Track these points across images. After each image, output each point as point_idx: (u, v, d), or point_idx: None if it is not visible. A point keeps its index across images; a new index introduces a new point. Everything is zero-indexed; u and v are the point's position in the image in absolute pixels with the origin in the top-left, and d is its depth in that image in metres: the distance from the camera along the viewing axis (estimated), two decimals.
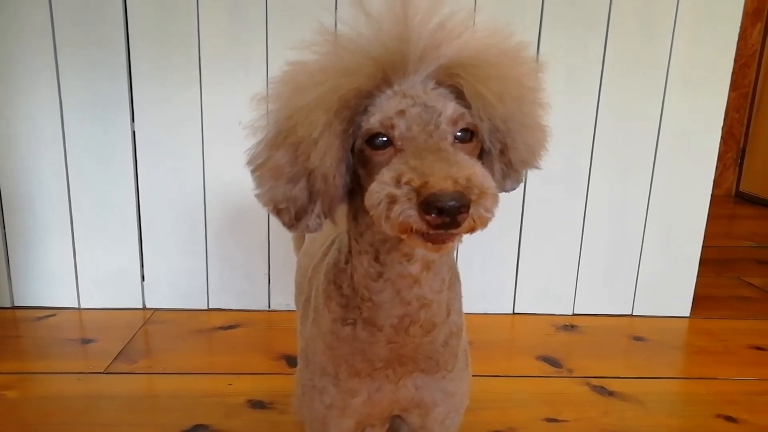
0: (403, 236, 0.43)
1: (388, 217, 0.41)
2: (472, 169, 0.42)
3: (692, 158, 1.38)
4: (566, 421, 1.02)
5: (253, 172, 0.50)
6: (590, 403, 1.08)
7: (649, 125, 1.36)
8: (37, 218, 1.37)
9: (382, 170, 0.43)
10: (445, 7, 0.46)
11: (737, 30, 1.32)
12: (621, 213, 1.41)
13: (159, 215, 1.38)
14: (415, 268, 0.52)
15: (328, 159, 0.45)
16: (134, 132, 1.34)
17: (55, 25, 1.27)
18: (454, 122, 0.46)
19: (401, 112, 0.45)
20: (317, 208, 0.48)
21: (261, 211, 1.43)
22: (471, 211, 0.40)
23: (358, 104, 0.46)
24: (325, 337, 0.58)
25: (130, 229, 1.39)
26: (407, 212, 0.40)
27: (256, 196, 0.50)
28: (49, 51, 1.28)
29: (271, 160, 0.48)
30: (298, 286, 0.75)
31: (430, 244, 0.42)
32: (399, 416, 0.64)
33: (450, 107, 0.45)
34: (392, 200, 0.41)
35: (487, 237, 1.41)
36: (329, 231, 0.68)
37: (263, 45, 1.29)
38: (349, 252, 0.55)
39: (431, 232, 0.41)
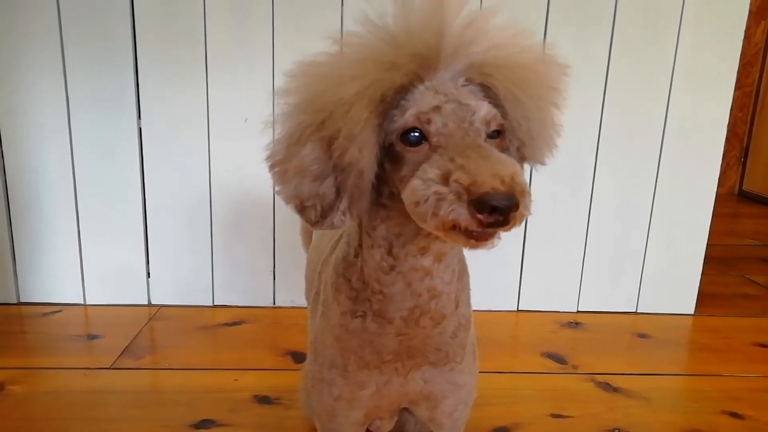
0: (442, 233, 0.43)
1: (435, 215, 0.42)
2: (514, 168, 0.42)
3: (697, 156, 1.38)
4: (571, 416, 1.02)
5: (272, 168, 0.49)
6: (595, 399, 1.08)
7: (654, 123, 1.36)
8: (43, 214, 1.38)
9: (422, 167, 0.44)
10: (471, 3, 0.46)
11: (743, 29, 1.32)
12: (626, 210, 1.41)
13: (165, 211, 1.39)
14: (427, 261, 0.52)
15: (366, 154, 0.45)
16: (140, 128, 1.34)
17: (62, 21, 1.27)
18: (487, 123, 0.46)
19: (437, 108, 0.45)
20: (343, 204, 0.47)
21: (266, 208, 1.45)
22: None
23: (393, 99, 0.46)
24: (335, 330, 0.58)
25: (135, 225, 1.39)
26: (458, 210, 0.40)
27: (278, 193, 0.49)
28: (56, 47, 1.28)
29: (297, 157, 0.46)
30: (309, 281, 0.76)
31: (473, 241, 0.43)
32: (407, 409, 0.64)
33: (483, 107, 0.46)
34: (440, 198, 0.41)
35: None
36: None
37: (269, 42, 1.29)
38: (360, 245, 0.55)
39: (480, 230, 0.41)
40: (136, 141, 1.34)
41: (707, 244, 1.43)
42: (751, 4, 1.33)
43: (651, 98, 1.35)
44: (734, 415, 1.03)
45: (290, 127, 0.47)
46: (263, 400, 1.04)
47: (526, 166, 0.56)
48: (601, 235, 1.42)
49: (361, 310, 0.56)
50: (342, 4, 1.26)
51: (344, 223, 0.48)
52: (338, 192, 0.47)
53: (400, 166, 0.46)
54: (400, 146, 0.46)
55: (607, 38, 1.31)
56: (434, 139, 0.45)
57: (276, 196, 0.50)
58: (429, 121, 0.45)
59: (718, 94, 1.35)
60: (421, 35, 0.45)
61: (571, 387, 1.12)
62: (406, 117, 0.45)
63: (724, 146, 1.39)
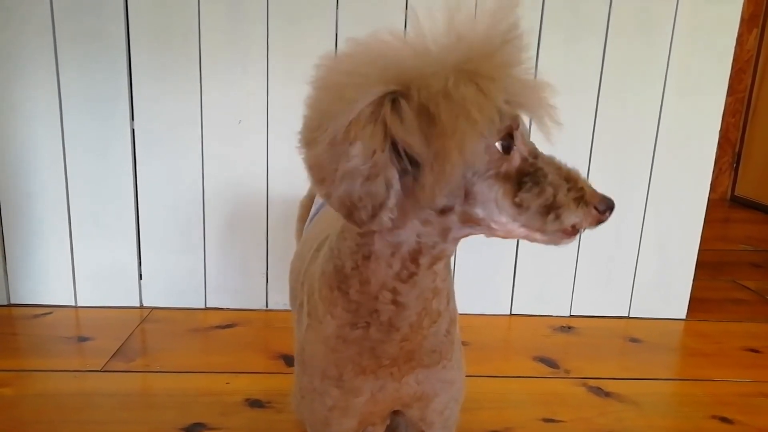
0: (557, 237, 0.48)
1: (558, 217, 0.47)
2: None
3: (689, 162, 1.39)
4: (563, 421, 1.02)
5: (311, 168, 0.46)
6: (586, 403, 1.08)
7: (647, 129, 1.37)
8: (35, 215, 1.37)
9: (536, 174, 0.48)
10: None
11: (735, 35, 1.32)
12: (618, 215, 1.40)
13: (157, 213, 1.38)
14: (440, 264, 0.53)
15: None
16: (133, 129, 1.33)
17: (55, 19, 1.27)
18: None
19: (518, 116, 0.48)
20: (391, 201, 0.45)
21: (260, 210, 1.45)
22: None
23: None
24: (329, 342, 0.57)
25: (127, 226, 1.39)
26: (589, 212, 0.47)
27: (325, 196, 0.47)
28: (49, 46, 1.28)
29: (345, 157, 0.44)
30: (292, 289, 0.75)
31: (567, 238, 0.48)
32: (397, 410, 0.64)
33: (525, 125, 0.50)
34: (577, 201, 0.47)
35: (484, 238, 1.41)
36: (318, 234, 0.68)
37: (264, 42, 1.29)
38: (365, 257, 0.52)
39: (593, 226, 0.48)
40: (129, 141, 1.34)
41: (699, 250, 1.44)
42: (743, 12, 1.34)
43: (644, 103, 1.36)
44: (724, 419, 1.04)
45: (333, 122, 0.44)
46: (255, 403, 1.04)
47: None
48: (593, 240, 1.43)
49: (364, 321, 0.54)
50: (337, 6, 1.27)
51: (390, 221, 0.46)
52: (387, 189, 0.45)
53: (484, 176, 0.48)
54: (496, 153, 0.47)
55: (601, 44, 1.32)
56: (521, 148, 0.48)
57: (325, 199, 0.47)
58: (518, 127, 0.48)
59: (710, 100, 1.36)
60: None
61: (563, 391, 1.12)
62: (506, 123, 0.47)
63: (717, 152, 1.40)
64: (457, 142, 0.42)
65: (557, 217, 0.46)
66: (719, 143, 1.39)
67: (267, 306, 1.45)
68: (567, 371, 1.19)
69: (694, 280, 1.46)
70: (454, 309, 0.60)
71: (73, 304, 1.42)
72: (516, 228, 0.48)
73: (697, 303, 1.49)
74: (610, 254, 1.44)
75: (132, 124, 1.33)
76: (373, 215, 0.45)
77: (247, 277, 1.43)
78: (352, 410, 0.59)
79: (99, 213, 1.38)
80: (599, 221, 0.48)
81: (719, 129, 1.37)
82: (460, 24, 0.45)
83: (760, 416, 1.05)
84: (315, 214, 0.84)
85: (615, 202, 0.49)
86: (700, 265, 1.45)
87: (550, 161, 0.49)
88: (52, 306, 1.41)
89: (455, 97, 0.42)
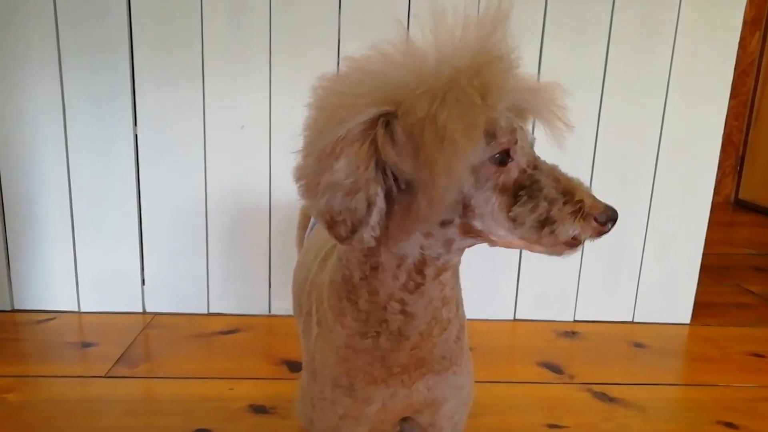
0: (557, 248, 0.49)
1: (552, 233, 0.47)
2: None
3: (693, 166, 1.39)
4: (567, 427, 1.02)
5: (298, 180, 0.49)
6: (591, 409, 1.08)
7: (650, 133, 1.37)
8: (38, 221, 1.37)
9: (532, 188, 0.47)
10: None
11: (737, 38, 1.32)
12: (622, 220, 1.40)
13: (160, 219, 1.38)
14: (447, 275, 0.53)
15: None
16: (136, 135, 1.34)
17: (59, 28, 1.27)
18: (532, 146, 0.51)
19: (517, 129, 0.48)
20: (373, 218, 0.46)
21: (262, 216, 1.45)
22: None
23: None
24: (339, 351, 0.57)
25: (130, 232, 1.39)
26: (588, 225, 0.47)
27: (309, 207, 0.49)
28: (53, 54, 1.28)
29: (329, 171, 0.45)
30: (296, 299, 0.75)
31: (569, 249, 0.49)
32: (407, 417, 0.64)
33: (530, 131, 0.50)
34: (574, 214, 0.47)
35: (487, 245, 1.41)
36: (321, 243, 0.68)
37: (266, 50, 1.29)
38: (373, 268, 0.53)
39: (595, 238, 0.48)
40: (132, 148, 1.34)
41: (703, 253, 1.43)
42: (745, 14, 1.34)
43: (647, 107, 1.36)
44: (728, 425, 1.03)
45: (322, 139, 0.46)
46: (259, 409, 1.04)
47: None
48: (597, 244, 1.42)
49: (374, 331, 0.55)
50: (339, 12, 1.27)
51: (373, 240, 0.47)
52: (369, 206, 0.45)
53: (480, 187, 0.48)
54: (488, 168, 0.47)
55: (604, 47, 1.32)
56: (520, 160, 0.48)
57: (303, 206, 0.50)
58: (516, 141, 0.48)
59: (713, 104, 1.35)
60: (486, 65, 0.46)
61: (567, 397, 1.12)
62: (502, 139, 0.47)
63: (720, 155, 1.40)
64: (444, 168, 0.43)
65: (552, 232, 0.46)
66: (722, 146, 1.39)
67: (270, 311, 1.44)
68: (571, 376, 1.19)
69: (698, 284, 1.45)
70: (463, 316, 0.60)
71: (77, 309, 1.42)
72: (515, 240, 0.49)
73: (701, 307, 1.48)
74: (614, 259, 1.44)
75: (135, 131, 1.34)
76: (353, 231, 0.46)
77: (250, 282, 1.43)
78: (364, 419, 0.59)
79: (102, 219, 1.38)
80: (600, 233, 0.48)
81: (722, 132, 1.37)
82: (457, 35, 0.46)
83: (764, 421, 1.05)
84: (315, 223, 0.84)
85: (617, 213, 0.48)
86: (704, 269, 1.45)
87: (551, 172, 0.48)
88: (55, 312, 1.41)
89: (438, 122, 0.42)
